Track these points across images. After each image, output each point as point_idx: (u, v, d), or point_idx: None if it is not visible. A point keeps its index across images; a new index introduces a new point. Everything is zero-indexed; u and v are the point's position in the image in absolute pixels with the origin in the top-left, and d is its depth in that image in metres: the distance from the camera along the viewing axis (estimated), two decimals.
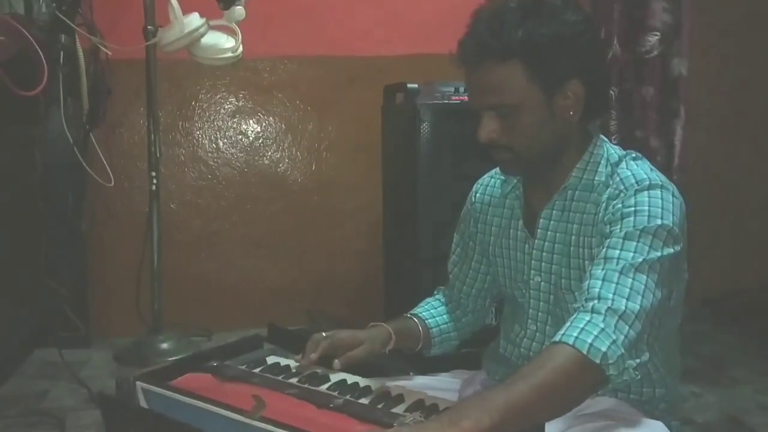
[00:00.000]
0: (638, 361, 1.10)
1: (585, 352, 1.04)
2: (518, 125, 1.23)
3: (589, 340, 1.05)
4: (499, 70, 1.20)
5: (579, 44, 1.21)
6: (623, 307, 1.09)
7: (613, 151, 1.30)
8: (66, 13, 2.54)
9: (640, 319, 1.09)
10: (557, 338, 1.08)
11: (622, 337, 1.07)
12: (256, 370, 1.29)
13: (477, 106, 1.25)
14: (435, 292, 1.59)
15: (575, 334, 1.06)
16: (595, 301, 1.10)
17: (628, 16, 2.69)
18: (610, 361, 1.05)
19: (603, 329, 1.07)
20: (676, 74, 2.67)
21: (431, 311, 1.52)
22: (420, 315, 1.50)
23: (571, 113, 1.24)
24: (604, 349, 1.05)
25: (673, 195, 1.21)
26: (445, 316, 1.51)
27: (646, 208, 1.18)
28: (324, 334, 1.34)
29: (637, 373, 1.10)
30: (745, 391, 2.46)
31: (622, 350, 1.06)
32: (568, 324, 1.09)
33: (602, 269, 1.14)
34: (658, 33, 2.66)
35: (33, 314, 2.79)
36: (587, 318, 1.08)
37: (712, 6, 3.23)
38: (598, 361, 1.04)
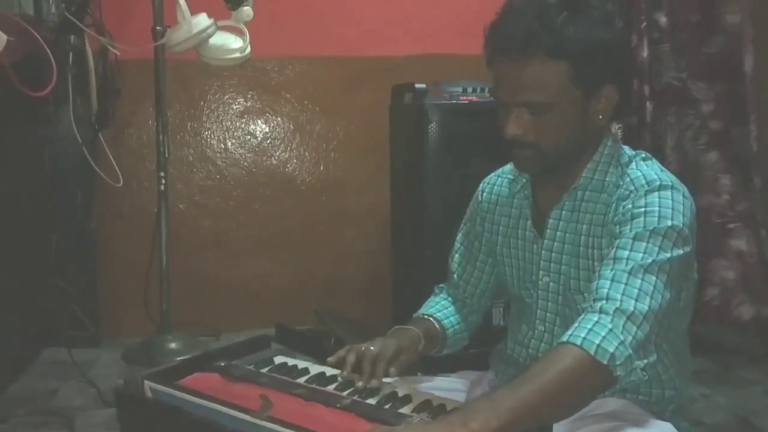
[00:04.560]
0: (646, 361, 1.10)
1: (593, 352, 1.04)
2: (549, 124, 1.20)
3: (597, 341, 1.05)
4: (545, 67, 1.17)
5: (622, 50, 1.23)
6: (632, 308, 1.09)
7: (624, 151, 1.30)
8: (75, 13, 2.55)
9: (648, 320, 1.09)
10: (565, 338, 1.07)
11: (630, 337, 1.07)
12: (264, 370, 1.29)
13: (508, 101, 1.21)
14: (436, 290, 1.56)
15: (583, 335, 1.06)
16: (604, 302, 1.10)
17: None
18: (618, 362, 1.05)
19: (611, 330, 1.06)
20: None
21: (444, 311, 1.49)
22: (435, 316, 1.47)
23: (601, 117, 1.24)
24: (611, 349, 1.04)
25: (683, 196, 1.20)
26: (456, 316, 1.49)
27: (657, 208, 1.17)
28: (372, 347, 1.26)
29: (645, 373, 1.09)
30: (755, 392, 2.45)
31: (630, 351, 1.06)
32: (576, 324, 1.09)
33: (611, 270, 1.13)
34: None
35: (42, 313, 2.80)
36: (595, 318, 1.08)
37: None
38: (605, 362, 1.04)
